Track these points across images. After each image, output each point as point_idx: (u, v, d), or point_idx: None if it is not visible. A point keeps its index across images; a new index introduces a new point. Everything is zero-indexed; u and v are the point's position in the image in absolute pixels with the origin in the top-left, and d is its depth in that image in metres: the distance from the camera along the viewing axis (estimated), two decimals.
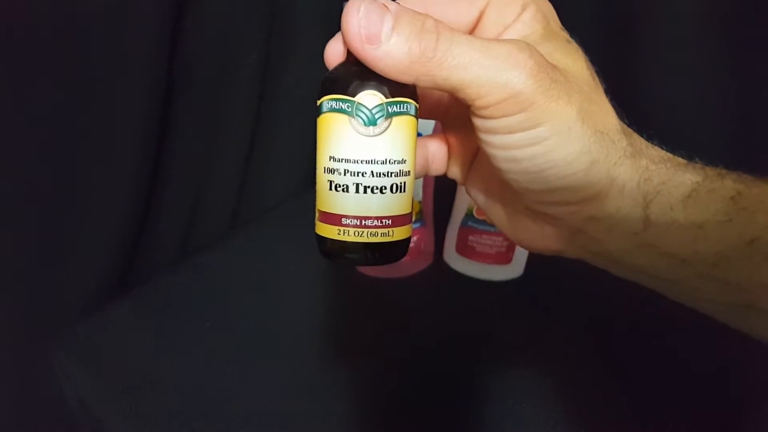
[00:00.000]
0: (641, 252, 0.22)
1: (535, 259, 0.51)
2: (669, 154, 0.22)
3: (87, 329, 0.46)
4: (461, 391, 0.43)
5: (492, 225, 0.48)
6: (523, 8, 0.21)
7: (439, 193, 0.51)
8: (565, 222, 0.23)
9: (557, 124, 0.20)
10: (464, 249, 0.51)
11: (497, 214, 0.26)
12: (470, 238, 0.51)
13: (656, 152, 0.22)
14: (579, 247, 0.24)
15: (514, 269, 0.52)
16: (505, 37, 0.22)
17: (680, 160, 0.22)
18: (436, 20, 0.19)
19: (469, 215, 0.51)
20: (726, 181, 0.21)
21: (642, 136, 0.23)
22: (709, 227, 0.20)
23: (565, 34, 0.22)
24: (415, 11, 0.20)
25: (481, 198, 0.27)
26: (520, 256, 0.51)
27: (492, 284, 0.51)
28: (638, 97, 0.56)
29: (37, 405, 0.50)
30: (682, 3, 0.49)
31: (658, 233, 0.21)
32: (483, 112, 0.20)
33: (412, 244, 0.44)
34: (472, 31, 0.23)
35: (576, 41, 0.23)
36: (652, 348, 0.45)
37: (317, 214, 0.22)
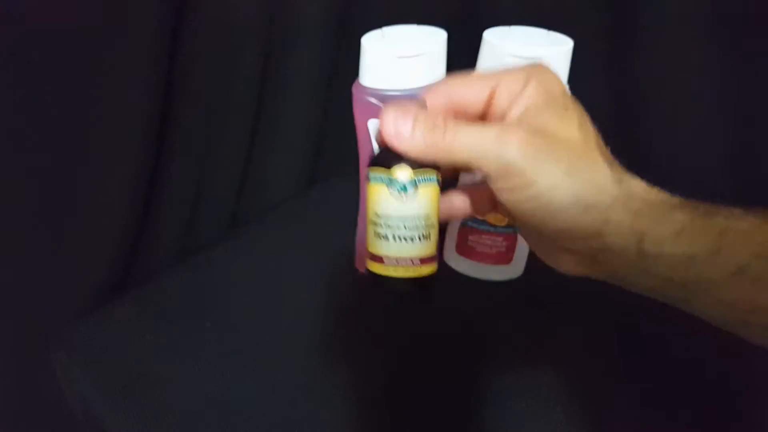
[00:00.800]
0: (643, 277, 0.25)
1: (535, 260, 0.51)
2: (663, 195, 0.25)
3: (87, 329, 0.46)
4: (461, 391, 0.43)
5: (492, 225, 0.48)
6: (526, 83, 0.26)
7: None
8: (580, 252, 0.27)
9: (547, 181, 0.24)
10: (464, 249, 0.51)
11: (532, 242, 0.31)
12: (470, 238, 0.51)
13: (649, 195, 0.25)
14: (598, 271, 0.27)
15: (514, 269, 0.52)
16: (513, 106, 0.26)
17: (673, 200, 0.25)
18: (445, 116, 0.25)
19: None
20: (716, 219, 0.24)
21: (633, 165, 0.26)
22: (699, 258, 0.24)
23: (564, 101, 0.26)
24: (429, 113, 0.26)
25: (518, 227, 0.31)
26: (520, 256, 0.51)
27: (492, 284, 0.51)
28: (638, 96, 0.56)
29: (37, 405, 0.50)
30: (683, 3, 0.49)
31: (653, 263, 0.24)
32: (489, 180, 0.25)
33: None
34: (488, 104, 0.27)
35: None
36: (653, 348, 0.45)
37: (367, 254, 0.29)
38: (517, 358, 0.45)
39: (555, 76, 0.27)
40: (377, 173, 0.27)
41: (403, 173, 0.26)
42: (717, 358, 0.43)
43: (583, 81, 0.43)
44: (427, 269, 0.28)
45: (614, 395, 0.42)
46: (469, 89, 0.27)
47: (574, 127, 0.25)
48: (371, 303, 0.50)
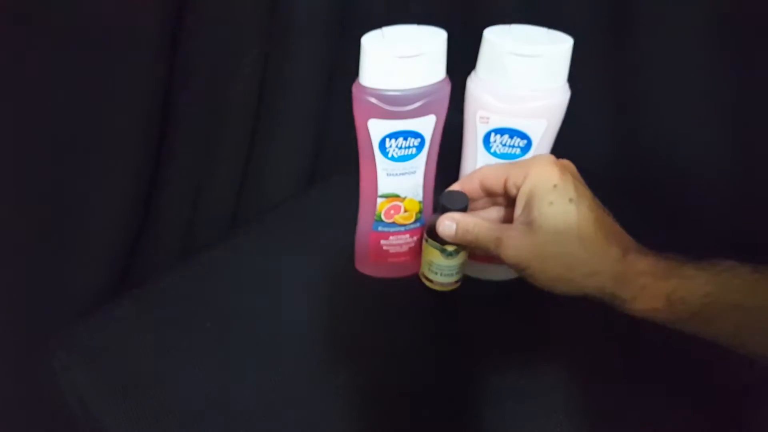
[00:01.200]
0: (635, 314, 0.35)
1: None
2: (635, 262, 0.33)
3: (87, 329, 0.46)
4: (461, 391, 0.43)
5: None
6: (525, 177, 0.36)
7: (439, 193, 0.51)
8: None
9: (531, 267, 0.35)
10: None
11: None
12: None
13: (621, 263, 0.33)
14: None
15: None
16: (518, 195, 0.37)
17: (644, 265, 0.33)
18: (474, 221, 0.39)
19: None
20: (670, 281, 0.32)
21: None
22: (659, 309, 0.33)
23: (550, 195, 0.34)
24: (467, 219, 0.39)
25: None
26: None
27: (492, 284, 0.51)
28: (638, 95, 0.56)
29: (37, 405, 0.50)
30: (682, 3, 0.49)
31: (634, 312, 0.34)
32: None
33: (413, 244, 0.51)
34: (504, 184, 0.38)
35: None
36: (654, 348, 0.45)
37: (422, 275, 0.48)
38: (517, 358, 0.45)
39: (548, 171, 0.35)
40: (434, 242, 0.44)
41: (450, 247, 0.44)
42: (718, 359, 0.42)
43: (583, 80, 0.43)
44: (455, 286, 0.48)
45: (614, 395, 0.42)
46: (490, 177, 0.39)
47: (556, 217, 0.34)
48: (371, 303, 0.50)
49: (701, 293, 0.31)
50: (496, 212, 0.42)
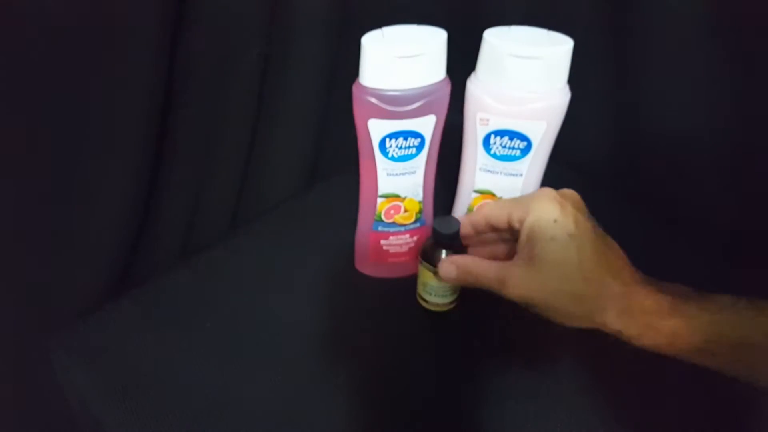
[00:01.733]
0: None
1: None
2: (629, 301, 0.34)
3: (87, 329, 0.46)
4: (461, 391, 0.43)
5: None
6: (527, 213, 0.37)
7: (439, 192, 0.51)
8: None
9: (534, 301, 0.36)
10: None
11: None
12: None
13: (616, 305, 0.34)
14: None
15: None
16: (521, 230, 0.37)
17: (637, 308, 0.34)
18: (475, 262, 0.39)
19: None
20: (673, 319, 0.33)
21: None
22: (662, 345, 0.34)
23: (551, 231, 0.35)
24: (467, 261, 0.39)
25: None
26: None
27: None
28: (638, 95, 0.57)
29: (37, 405, 0.50)
30: (682, 3, 0.49)
31: (636, 346, 0.35)
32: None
33: (413, 244, 0.51)
34: (508, 220, 0.38)
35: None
36: None
37: (419, 296, 0.49)
38: (517, 358, 0.46)
39: (549, 206, 0.36)
40: (428, 265, 0.45)
41: None
42: None
43: (583, 81, 0.43)
44: (451, 306, 0.48)
45: (615, 395, 0.42)
46: (495, 213, 0.39)
47: (557, 253, 0.35)
48: (371, 303, 0.50)
49: (703, 332, 0.32)
50: (503, 248, 0.42)
